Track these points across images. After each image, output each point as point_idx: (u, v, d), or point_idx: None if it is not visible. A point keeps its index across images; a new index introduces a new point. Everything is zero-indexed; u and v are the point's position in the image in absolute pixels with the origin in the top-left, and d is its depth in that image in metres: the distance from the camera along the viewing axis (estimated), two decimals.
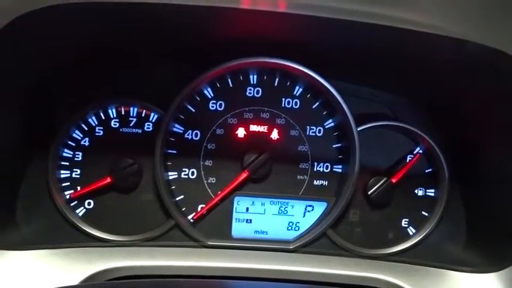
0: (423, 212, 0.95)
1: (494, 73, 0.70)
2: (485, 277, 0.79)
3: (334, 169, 0.93)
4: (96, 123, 0.90)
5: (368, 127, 0.91)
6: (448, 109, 0.90)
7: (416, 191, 0.96)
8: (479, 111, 0.82)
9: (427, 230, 0.94)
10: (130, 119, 0.91)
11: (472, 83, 0.77)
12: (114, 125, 0.91)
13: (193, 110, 0.90)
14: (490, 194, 0.87)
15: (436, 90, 0.88)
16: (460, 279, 0.82)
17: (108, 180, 0.89)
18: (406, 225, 0.96)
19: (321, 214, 0.92)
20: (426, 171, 0.96)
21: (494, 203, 0.86)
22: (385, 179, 0.93)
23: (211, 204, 0.91)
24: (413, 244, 0.94)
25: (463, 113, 0.87)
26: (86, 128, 0.90)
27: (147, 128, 0.91)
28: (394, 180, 0.93)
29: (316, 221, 0.92)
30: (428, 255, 0.92)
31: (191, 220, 0.91)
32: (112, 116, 0.91)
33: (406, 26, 0.68)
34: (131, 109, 0.91)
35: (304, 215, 0.93)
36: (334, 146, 0.93)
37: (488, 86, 0.75)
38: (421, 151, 0.95)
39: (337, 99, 0.88)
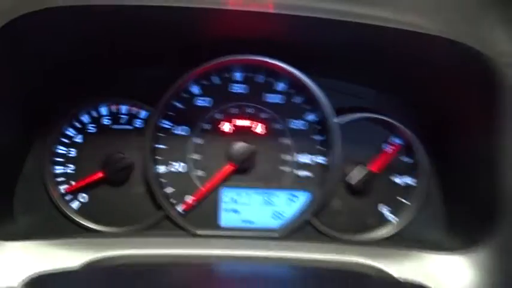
0: (404, 200, 0.99)
1: (467, 69, 0.74)
2: (458, 258, 0.83)
3: (316, 160, 0.97)
4: (89, 121, 0.95)
5: (348, 121, 0.96)
6: (426, 102, 0.94)
7: (397, 181, 1.00)
8: (452, 104, 0.87)
9: (409, 218, 0.98)
10: (121, 116, 0.96)
11: (445, 78, 0.81)
12: (106, 122, 0.95)
13: (181, 107, 0.95)
14: (465, 182, 0.91)
15: (414, 86, 0.92)
16: (437, 261, 0.86)
17: (101, 174, 0.93)
18: (388, 213, 1.00)
19: (305, 203, 0.97)
20: (407, 161, 1.00)
21: (468, 190, 0.90)
22: (366, 169, 0.97)
23: (199, 196, 0.95)
24: (395, 231, 0.98)
25: (440, 106, 0.91)
26: (79, 126, 0.94)
27: (138, 124, 0.96)
28: (375, 170, 0.98)
29: (300, 210, 0.96)
30: (409, 241, 0.96)
31: (181, 211, 0.95)
32: (104, 114, 0.95)
33: (381, 23, 0.72)
34: (122, 107, 0.96)
35: (289, 205, 0.97)
36: (316, 138, 0.97)
37: (459, 80, 0.79)
38: (401, 143, 0.99)
39: (317, 94, 0.92)
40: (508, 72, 0.66)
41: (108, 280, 0.72)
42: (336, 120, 0.94)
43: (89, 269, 0.74)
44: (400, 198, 0.99)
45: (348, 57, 0.91)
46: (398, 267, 0.83)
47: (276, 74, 0.95)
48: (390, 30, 0.73)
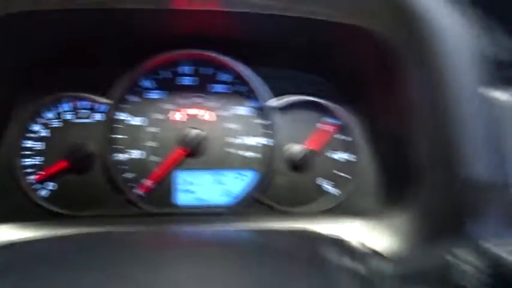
0: (344, 175, 1.10)
1: (363, 48, 0.85)
2: (381, 222, 0.94)
3: (261, 142, 1.08)
4: (53, 116, 1.05)
5: (287, 105, 1.07)
6: (351, 84, 1.05)
7: (336, 157, 1.11)
8: (368, 84, 0.98)
9: (349, 190, 1.09)
10: (82, 111, 1.06)
11: (352, 60, 0.93)
12: (69, 117, 1.06)
13: (136, 100, 1.05)
14: (390, 154, 1.02)
15: (338, 70, 1.03)
16: (365, 225, 0.97)
17: (65, 164, 1.03)
18: (330, 187, 1.10)
19: (252, 181, 1.07)
20: (344, 139, 1.11)
21: (392, 162, 1.01)
22: (308, 147, 1.08)
23: (156, 179, 1.05)
24: (337, 203, 1.09)
25: (361, 87, 1.02)
26: (45, 121, 1.05)
27: (98, 117, 1.06)
28: (316, 148, 1.09)
29: (248, 188, 1.07)
30: (350, 211, 1.07)
31: (140, 194, 1.05)
32: (66, 110, 1.06)
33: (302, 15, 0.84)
34: (83, 103, 1.06)
35: (238, 183, 1.07)
36: (260, 122, 1.08)
37: (362, 60, 0.91)
38: (338, 122, 1.10)
39: (254, 84, 1.05)
40: (396, 45, 0.77)
41: (69, 245, 0.80)
42: (274, 104, 1.05)
43: (46, 239, 0.83)
44: (340, 173, 1.10)
45: (283, 47, 1.02)
46: (330, 230, 0.94)
47: (221, 66, 1.06)
48: (310, 21, 0.85)
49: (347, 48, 0.91)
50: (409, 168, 0.92)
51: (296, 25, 0.90)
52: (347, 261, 0.70)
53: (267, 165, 1.06)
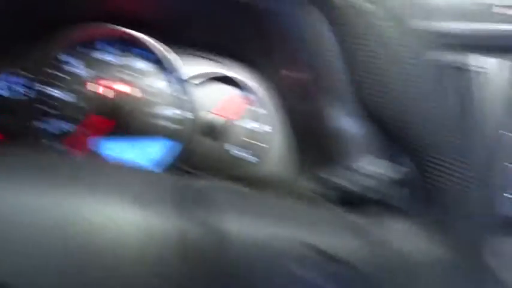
0: (262, 144, 1.19)
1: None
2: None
3: (181, 114, 1.17)
4: None
5: (204, 79, 1.16)
6: (259, 60, 1.14)
7: (253, 127, 1.20)
8: (269, 58, 1.07)
9: (268, 159, 1.19)
10: (16, 87, 1.14)
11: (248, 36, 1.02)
12: (4, 94, 1.14)
13: (59, 74, 1.13)
14: (297, 123, 1.12)
15: (246, 46, 1.11)
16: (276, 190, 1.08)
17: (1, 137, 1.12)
18: (249, 156, 1.20)
19: (174, 151, 1.17)
20: (260, 111, 1.19)
21: (298, 131, 1.11)
22: (224, 119, 1.17)
23: (85, 151, 1.15)
24: (256, 171, 1.19)
25: (265, 62, 1.11)
26: None
27: (22, 91, 1.14)
28: (233, 119, 1.18)
29: (170, 157, 1.16)
30: (267, 178, 1.17)
31: None
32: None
33: None
34: (16, 79, 1.14)
35: (161, 153, 1.17)
36: (179, 96, 1.17)
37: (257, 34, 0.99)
38: (253, 95, 1.19)
39: (172, 61, 1.13)
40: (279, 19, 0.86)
41: None
42: (191, 78, 1.14)
43: None
44: (257, 143, 1.20)
45: (194, 26, 1.10)
46: None
47: (139, 43, 1.14)
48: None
49: (241, 25, 0.99)
50: (303, 136, 1.02)
51: (200, 4, 0.98)
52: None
53: (188, 135, 1.15)
